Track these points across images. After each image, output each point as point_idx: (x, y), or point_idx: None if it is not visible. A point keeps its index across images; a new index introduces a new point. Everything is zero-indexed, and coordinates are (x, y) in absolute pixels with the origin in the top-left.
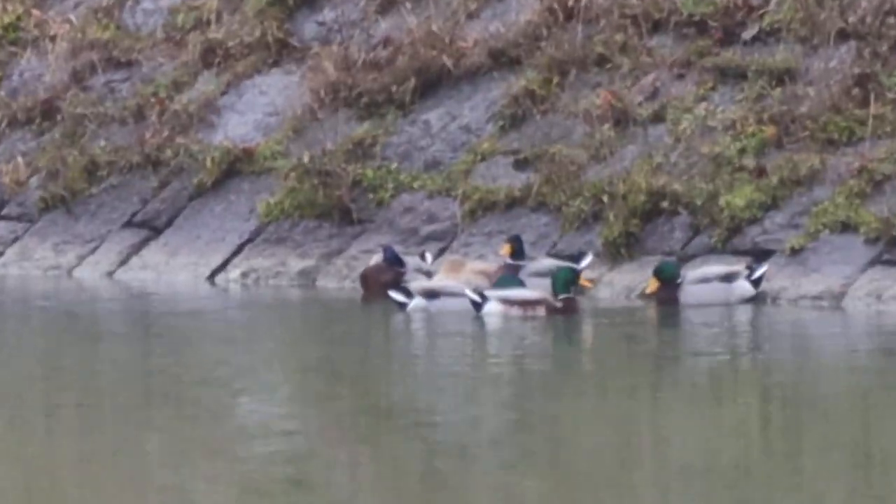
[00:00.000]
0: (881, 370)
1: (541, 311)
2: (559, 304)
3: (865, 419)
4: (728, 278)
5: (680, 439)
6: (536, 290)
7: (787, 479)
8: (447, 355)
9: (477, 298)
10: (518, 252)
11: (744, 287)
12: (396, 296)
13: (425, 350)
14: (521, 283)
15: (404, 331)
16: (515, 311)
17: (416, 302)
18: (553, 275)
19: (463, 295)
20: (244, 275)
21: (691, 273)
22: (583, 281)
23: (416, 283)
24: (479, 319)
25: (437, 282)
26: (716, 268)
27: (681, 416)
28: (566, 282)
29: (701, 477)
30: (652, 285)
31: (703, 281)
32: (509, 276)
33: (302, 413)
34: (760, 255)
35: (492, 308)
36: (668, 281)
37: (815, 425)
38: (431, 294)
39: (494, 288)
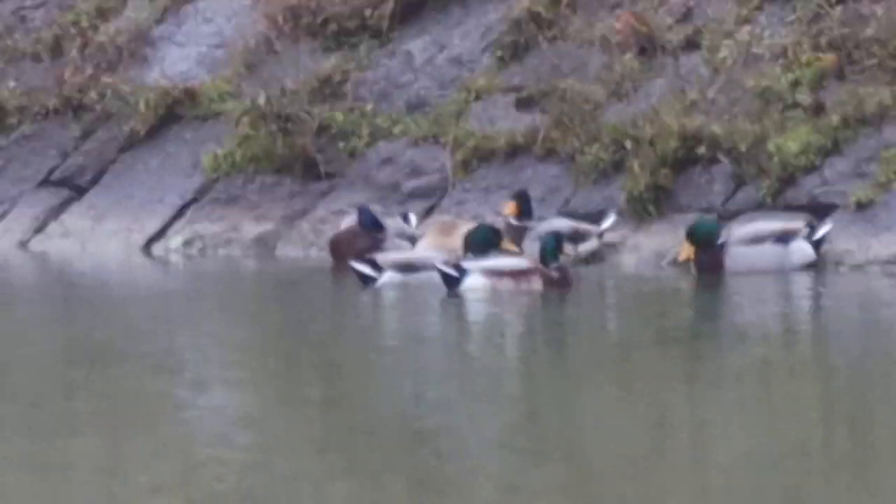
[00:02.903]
0: None
1: (536, 284)
2: (556, 275)
3: None
4: (784, 238)
5: (717, 444)
6: (523, 256)
7: (849, 484)
8: (435, 343)
9: (452, 271)
10: (525, 210)
11: (803, 249)
12: (362, 268)
13: (409, 335)
14: (497, 242)
15: (374, 307)
16: (506, 285)
17: (388, 276)
18: (542, 242)
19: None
20: (187, 243)
21: (738, 231)
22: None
23: (386, 254)
24: (456, 297)
25: (412, 252)
26: (769, 225)
27: (720, 417)
28: (555, 249)
29: (745, 482)
30: (685, 251)
31: (753, 241)
32: (483, 232)
33: (260, 418)
34: (819, 210)
35: (474, 282)
36: (706, 244)
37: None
38: (405, 267)
39: (471, 252)
